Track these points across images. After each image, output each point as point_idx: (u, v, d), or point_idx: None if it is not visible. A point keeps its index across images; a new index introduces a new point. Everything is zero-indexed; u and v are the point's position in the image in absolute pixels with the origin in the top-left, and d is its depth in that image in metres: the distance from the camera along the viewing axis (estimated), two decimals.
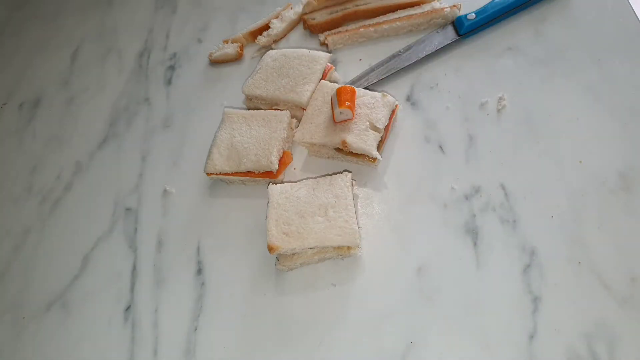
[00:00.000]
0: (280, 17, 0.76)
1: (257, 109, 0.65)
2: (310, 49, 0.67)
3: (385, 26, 0.70)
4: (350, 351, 0.51)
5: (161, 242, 0.61)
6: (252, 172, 0.60)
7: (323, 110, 0.60)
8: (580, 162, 0.56)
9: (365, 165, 0.61)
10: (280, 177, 0.61)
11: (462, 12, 0.69)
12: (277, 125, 0.61)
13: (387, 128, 0.60)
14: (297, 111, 0.64)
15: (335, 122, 0.59)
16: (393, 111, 0.61)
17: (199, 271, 0.58)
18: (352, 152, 0.58)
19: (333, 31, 0.72)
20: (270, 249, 0.52)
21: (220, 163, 0.60)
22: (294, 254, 0.54)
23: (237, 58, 0.75)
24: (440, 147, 0.61)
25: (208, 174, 0.61)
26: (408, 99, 0.66)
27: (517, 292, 0.50)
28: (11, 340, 0.58)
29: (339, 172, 0.57)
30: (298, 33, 0.76)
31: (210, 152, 0.61)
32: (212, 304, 0.56)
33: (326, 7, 0.74)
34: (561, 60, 0.64)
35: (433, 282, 0.53)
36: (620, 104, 0.59)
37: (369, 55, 0.70)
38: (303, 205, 0.54)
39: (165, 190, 0.65)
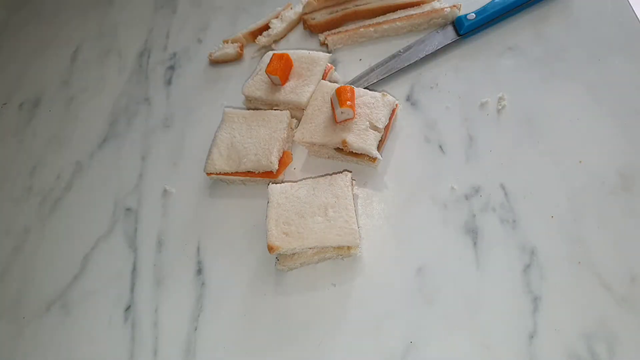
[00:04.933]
0: (280, 17, 0.76)
1: (257, 109, 0.65)
2: (310, 49, 0.67)
3: (385, 26, 0.70)
4: (350, 351, 0.51)
5: (161, 242, 0.61)
6: (252, 172, 0.60)
7: (323, 110, 0.60)
8: (580, 162, 0.56)
9: (365, 165, 0.61)
10: (280, 177, 0.61)
11: (462, 12, 0.69)
12: (277, 125, 0.61)
13: (387, 128, 0.60)
14: (297, 111, 0.64)
15: (337, 122, 0.59)
16: (393, 111, 0.61)
17: (199, 271, 0.58)
18: (352, 151, 0.58)
19: (333, 31, 0.72)
20: (270, 249, 0.52)
21: (220, 163, 0.60)
22: (294, 254, 0.54)
23: (237, 58, 0.75)
24: (440, 147, 0.61)
25: (208, 174, 0.61)
26: (408, 99, 0.66)
27: (517, 292, 0.50)
28: (11, 340, 0.59)
29: (339, 172, 0.57)
30: (298, 33, 0.76)
31: (210, 152, 0.61)
32: (212, 304, 0.56)
33: (326, 7, 0.74)
34: (561, 60, 0.64)
35: (433, 282, 0.53)
36: (620, 104, 0.59)
37: (369, 55, 0.70)
38: (303, 205, 0.54)
39: (165, 190, 0.65)
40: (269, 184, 0.57)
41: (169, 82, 0.77)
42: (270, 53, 0.67)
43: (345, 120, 0.58)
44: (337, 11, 0.73)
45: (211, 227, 0.61)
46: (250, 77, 0.66)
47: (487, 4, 0.68)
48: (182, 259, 0.60)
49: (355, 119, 0.58)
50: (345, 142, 0.57)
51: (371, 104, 0.59)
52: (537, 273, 0.51)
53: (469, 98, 0.64)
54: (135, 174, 0.68)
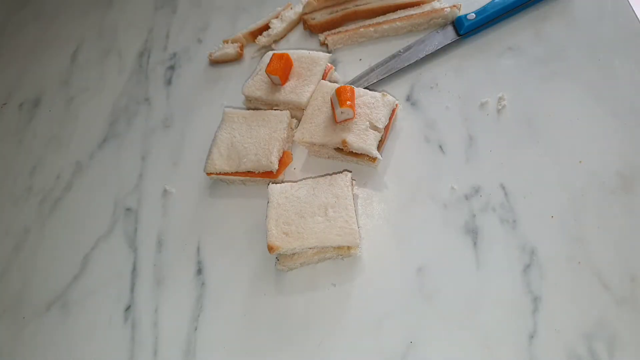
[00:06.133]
0: (280, 17, 0.76)
1: (257, 109, 0.65)
2: (310, 49, 0.67)
3: (385, 26, 0.70)
4: (350, 351, 0.51)
5: (161, 242, 0.62)
6: (252, 172, 0.60)
7: (323, 110, 0.60)
8: (580, 162, 0.56)
9: (365, 165, 0.61)
10: (280, 177, 0.61)
11: (462, 12, 0.69)
12: (277, 125, 0.61)
13: (387, 128, 0.60)
14: (297, 111, 0.64)
15: (337, 122, 0.59)
16: (393, 111, 0.61)
17: (199, 271, 0.58)
18: (352, 151, 0.58)
19: (333, 31, 0.72)
20: (270, 248, 0.52)
21: (220, 163, 0.60)
22: (294, 254, 0.54)
23: (237, 58, 0.75)
24: (440, 147, 0.61)
25: (208, 174, 0.61)
26: (408, 99, 0.66)
27: (517, 292, 0.50)
28: (11, 340, 0.59)
29: (339, 172, 0.57)
30: (298, 33, 0.76)
31: (210, 152, 0.61)
32: (212, 304, 0.56)
33: (326, 7, 0.74)
34: (561, 60, 0.64)
35: (433, 282, 0.53)
36: (620, 104, 0.59)
37: (369, 55, 0.70)
38: (303, 205, 0.54)
39: (165, 190, 0.65)
40: (269, 184, 0.57)
41: (169, 82, 0.77)
42: (270, 53, 0.67)
43: (345, 120, 0.58)
44: (337, 11, 0.73)
45: (211, 227, 0.61)
46: (250, 77, 0.66)
47: (487, 4, 0.68)
48: (182, 259, 0.60)
49: (355, 119, 0.58)
50: (345, 142, 0.57)
51: (371, 104, 0.59)
52: (537, 273, 0.51)
53: (469, 98, 0.64)
54: (135, 174, 0.68)
